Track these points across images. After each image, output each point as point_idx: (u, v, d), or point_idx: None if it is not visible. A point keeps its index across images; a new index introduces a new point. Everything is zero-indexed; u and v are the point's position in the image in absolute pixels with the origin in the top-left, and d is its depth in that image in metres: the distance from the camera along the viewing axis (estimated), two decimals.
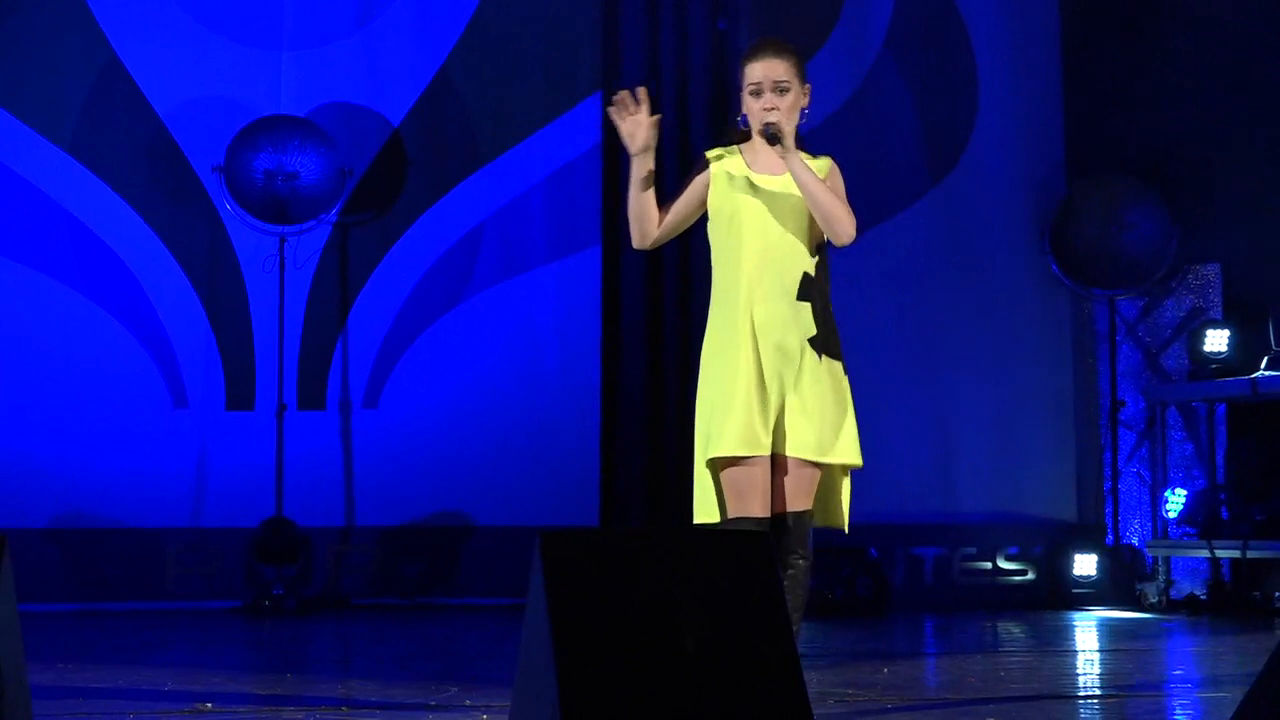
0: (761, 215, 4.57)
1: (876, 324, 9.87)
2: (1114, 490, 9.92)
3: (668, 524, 8.69)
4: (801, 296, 4.55)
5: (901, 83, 10.00)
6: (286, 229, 9.33)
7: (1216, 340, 9.42)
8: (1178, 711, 5.21)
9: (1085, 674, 6.46)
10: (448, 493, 9.52)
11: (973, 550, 9.88)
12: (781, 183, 4.58)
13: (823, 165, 4.64)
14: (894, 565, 9.68)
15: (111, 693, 5.52)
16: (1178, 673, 6.64)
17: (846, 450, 4.52)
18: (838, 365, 4.61)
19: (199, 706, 5.05)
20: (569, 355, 9.61)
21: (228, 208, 9.38)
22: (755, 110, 4.56)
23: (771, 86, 4.57)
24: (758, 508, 4.43)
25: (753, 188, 4.57)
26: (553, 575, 3.49)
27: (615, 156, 9.61)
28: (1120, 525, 9.89)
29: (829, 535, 10.04)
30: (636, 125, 4.51)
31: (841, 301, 10.18)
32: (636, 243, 4.66)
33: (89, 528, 9.23)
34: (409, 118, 9.65)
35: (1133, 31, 9.94)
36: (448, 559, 9.54)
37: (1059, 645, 7.61)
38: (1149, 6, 9.92)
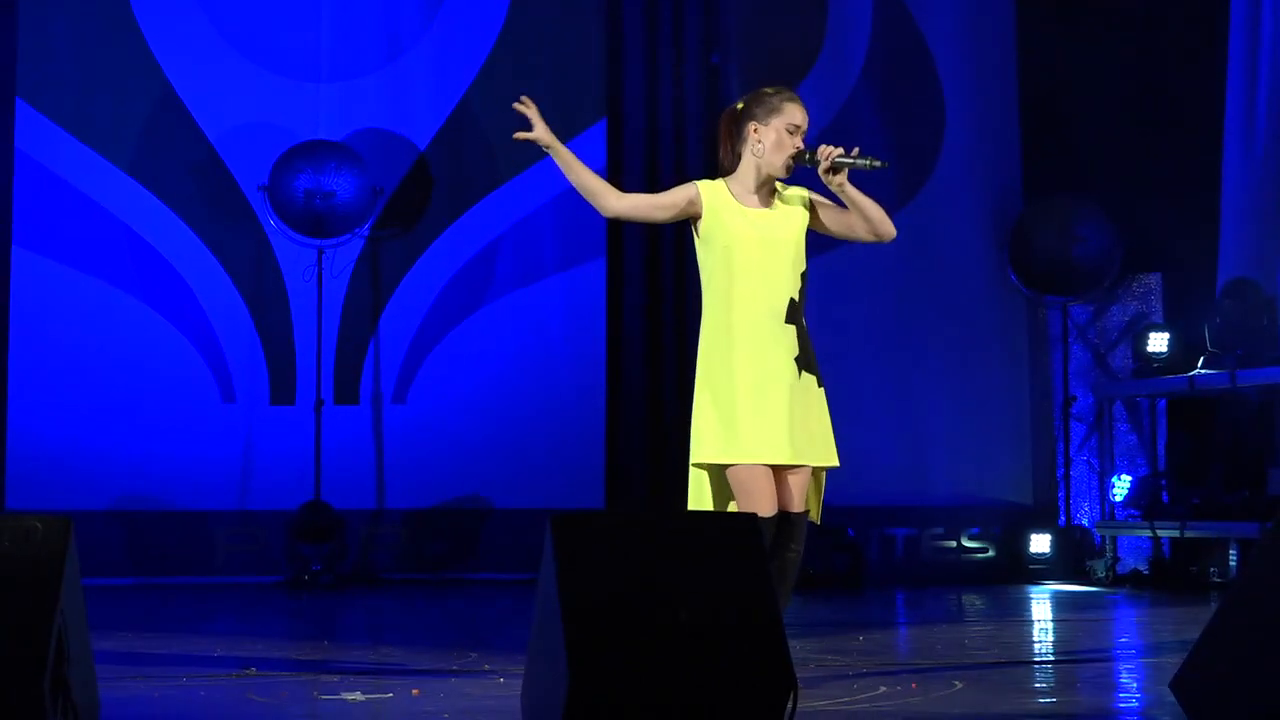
0: (752, 247, 4.61)
1: (853, 329, 9.85)
2: (1066, 477, 9.91)
3: (667, 506, 8.67)
4: (788, 320, 4.61)
5: (875, 111, 9.98)
6: (324, 242, 9.32)
7: (1158, 342, 9.40)
8: (1124, 675, 5.20)
9: (1040, 641, 6.45)
10: (468, 478, 9.51)
11: (940, 530, 9.87)
12: (768, 217, 4.63)
13: (803, 194, 4.71)
14: (869, 544, 9.66)
15: (167, 658, 5.51)
16: (1123, 640, 6.63)
17: (833, 455, 4.60)
18: (814, 379, 4.67)
19: (245, 670, 5.04)
20: (577, 355, 9.60)
21: (271, 223, 9.37)
22: (787, 145, 4.64)
23: (802, 131, 4.71)
24: (766, 508, 4.47)
25: (744, 220, 4.61)
26: (562, 553, 3.49)
27: (618, 178, 9.60)
28: (1071, 508, 9.88)
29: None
30: (536, 124, 4.70)
31: (821, 309, 10.19)
32: (606, 212, 4.78)
33: (146, 510, 9.22)
34: (434, 142, 9.64)
35: (1084, 66, 9.93)
36: (468, 538, 9.53)
37: (1017, 616, 7.60)
38: (1096, 45, 9.91)
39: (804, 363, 4.64)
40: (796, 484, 4.57)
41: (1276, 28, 9.18)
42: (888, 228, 4.70)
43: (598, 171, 9.72)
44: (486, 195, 9.69)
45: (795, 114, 4.66)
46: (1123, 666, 5.46)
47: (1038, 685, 4.86)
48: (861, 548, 9.43)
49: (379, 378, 9.53)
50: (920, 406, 9.87)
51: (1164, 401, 9.65)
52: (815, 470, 4.65)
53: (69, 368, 9.20)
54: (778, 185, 4.74)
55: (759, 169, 4.69)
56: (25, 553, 3.45)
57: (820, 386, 4.67)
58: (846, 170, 4.67)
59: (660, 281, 9.56)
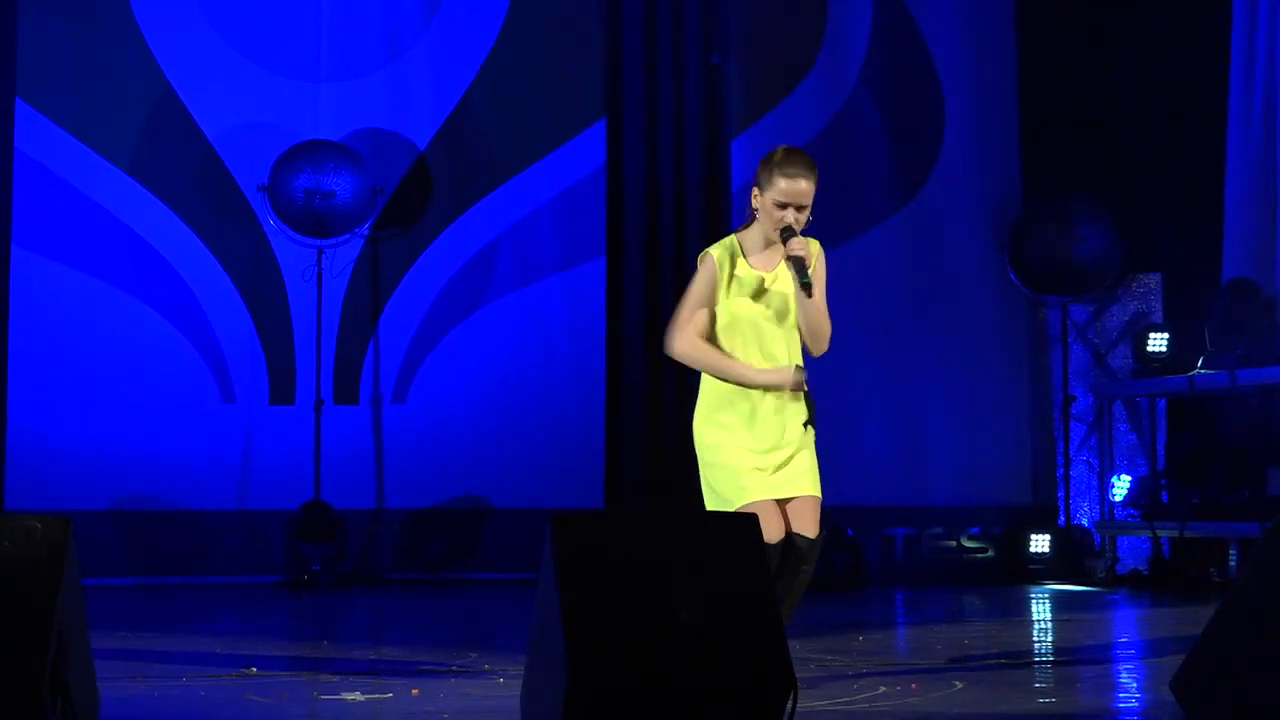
0: (759, 318, 4.66)
1: (853, 329, 9.85)
2: (1066, 476, 9.91)
3: (667, 506, 8.67)
4: (797, 388, 4.72)
5: (875, 111, 9.99)
6: (324, 242, 9.32)
7: (1158, 342, 9.40)
8: (1123, 675, 5.20)
9: (1040, 642, 6.45)
10: (468, 478, 9.51)
11: (939, 530, 9.87)
12: (775, 280, 4.69)
13: (815, 248, 4.77)
14: (869, 544, 9.66)
15: (166, 657, 5.51)
16: (1123, 640, 6.63)
17: (819, 485, 4.82)
18: (813, 429, 4.85)
19: (245, 670, 5.04)
20: (577, 355, 9.60)
21: (271, 223, 9.37)
22: (776, 219, 4.69)
23: (798, 206, 4.71)
24: (773, 536, 4.64)
25: (753, 291, 4.66)
26: (562, 552, 3.49)
27: (618, 178, 9.61)
28: (1071, 508, 9.88)
29: None
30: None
31: None
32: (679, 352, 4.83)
33: (146, 509, 9.22)
34: (434, 142, 9.64)
35: (1083, 65, 9.94)
36: (468, 538, 9.53)
37: (1016, 616, 7.60)
38: (1098, 39, 9.91)
39: (811, 421, 4.81)
40: (811, 512, 4.67)
41: (1275, 27, 9.18)
42: (822, 345, 4.73)
43: (596, 171, 9.74)
44: (486, 195, 9.70)
45: (782, 189, 4.71)
46: (1122, 667, 5.46)
47: (1037, 685, 4.86)
48: (861, 548, 9.42)
49: (379, 378, 9.53)
50: (920, 406, 9.87)
51: (1164, 401, 9.66)
52: (815, 500, 4.84)
53: (69, 367, 9.20)
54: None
55: (763, 231, 4.77)
56: (25, 553, 3.45)
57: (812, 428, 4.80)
58: (814, 289, 4.70)
59: (660, 281, 9.55)
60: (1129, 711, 4.34)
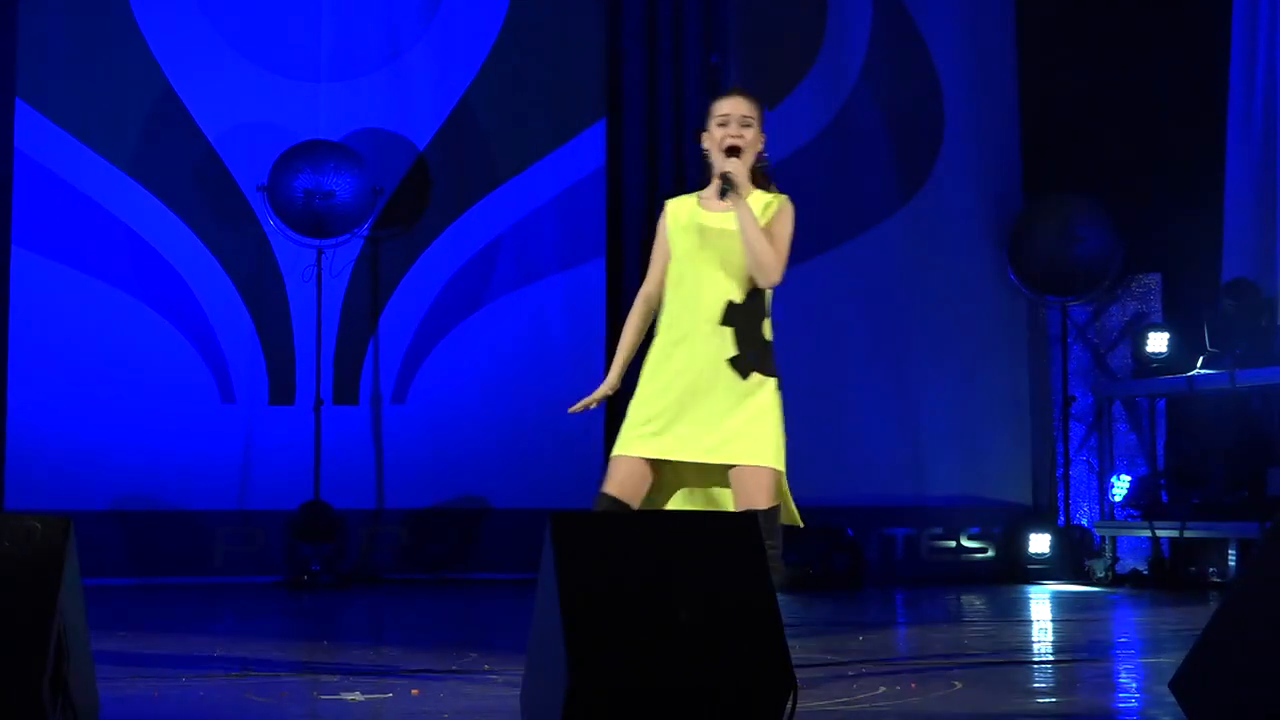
0: (696, 248, 4.62)
1: (852, 329, 9.86)
2: (1065, 476, 9.91)
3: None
4: (724, 322, 4.58)
5: (875, 111, 9.99)
6: (323, 242, 9.32)
7: (1157, 342, 9.41)
8: (1123, 675, 5.20)
9: (1040, 641, 6.45)
10: (468, 478, 9.51)
11: (939, 530, 9.87)
12: (721, 219, 4.64)
13: (773, 204, 4.67)
14: (869, 544, 9.67)
15: (166, 657, 5.51)
16: (1123, 640, 6.63)
17: (767, 455, 4.50)
18: (770, 380, 4.60)
19: (244, 671, 5.04)
20: (576, 355, 9.60)
21: (271, 223, 9.37)
22: (718, 138, 4.66)
23: (739, 120, 4.64)
24: (613, 489, 4.59)
25: (696, 228, 4.64)
26: (562, 552, 3.49)
27: (618, 178, 9.61)
28: (1071, 508, 9.88)
29: (811, 517, 10.00)
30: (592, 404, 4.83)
31: (821, 309, 10.19)
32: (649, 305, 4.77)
33: (146, 510, 9.22)
34: (433, 142, 9.64)
35: (1084, 64, 9.94)
36: (468, 538, 9.53)
37: (1016, 616, 7.60)
38: (1099, 38, 9.91)
39: (744, 364, 4.59)
40: (738, 482, 4.52)
41: (1275, 27, 9.18)
42: (765, 275, 4.54)
43: (596, 171, 9.74)
44: (486, 195, 9.70)
45: (723, 105, 4.69)
46: (1122, 666, 5.46)
47: (1037, 685, 4.86)
48: (861, 547, 9.43)
49: (378, 378, 9.53)
50: (919, 406, 9.87)
51: (1163, 401, 9.66)
52: (751, 469, 4.56)
53: (68, 367, 9.20)
54: (757, 190, 4.71)
55: (712, 173, 4.74)
56: (25, 553, 3.45)
57: (777, 388, 4.61)
58: (737, 189, 4.62)
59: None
60: (1129, 711, 4.34)
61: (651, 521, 3.69)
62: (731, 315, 4.58)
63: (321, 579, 8.99)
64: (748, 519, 3.78)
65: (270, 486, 9.31)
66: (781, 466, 4.55)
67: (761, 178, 4.74)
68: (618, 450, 4.66)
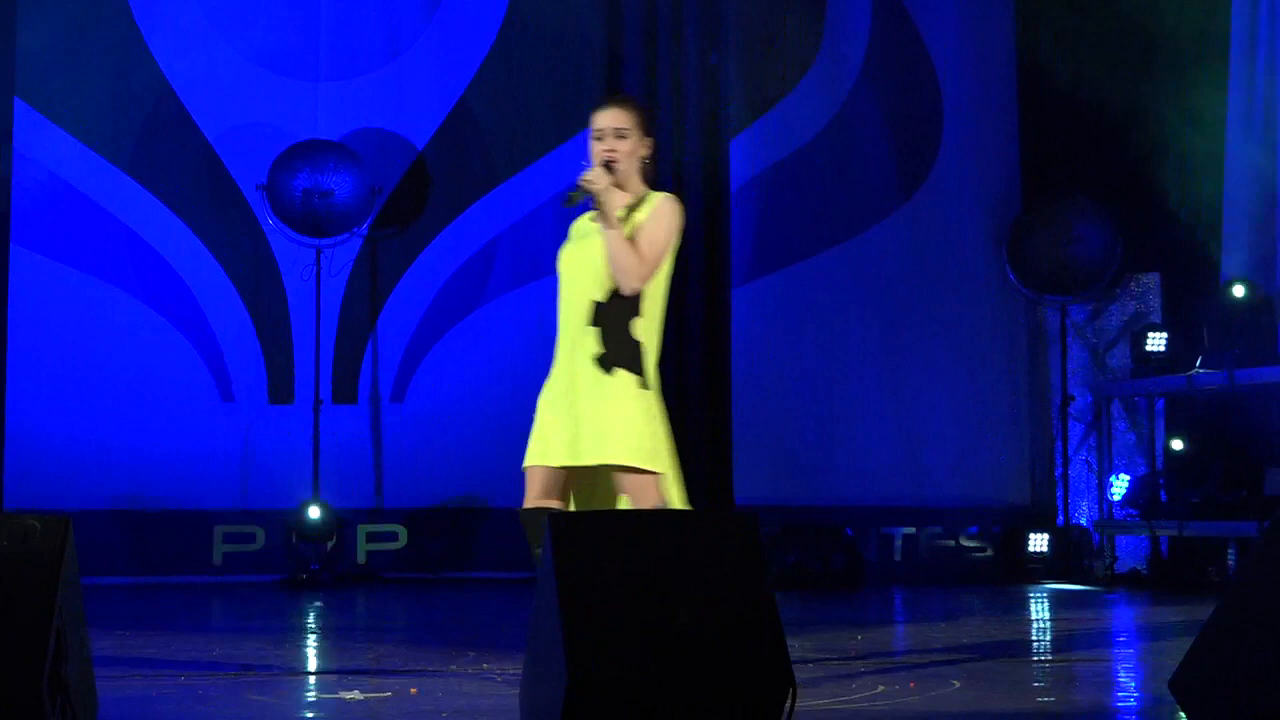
0: (571, 253, 4.71)
1: (852, 328, 9.86)
2: (1064, 476, 9.91)
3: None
4: (592, 322, 4.64)
5: (874, 110, 9.99)
6: (322, 241, 9.33)
7: (1156, 341, 9.41)
8: (1122, 673, 5.20)
9: (1039, 640, 6.45)
10: (467, 477, 9.51)
11: (938, 530, 9.87)
12: (589, 232, 4.74)
13: (651, 202, 4.73)
14: (867, 543, 9.66)
15: (165, 658, 5.51)
16: (1121, 639, 6.63)
17: (635, 454, 4.53)
18: (632, 378, 4.63)
19: (243, 671, 5.04)
20: None
21: (270, 222, 9.37)
22: (596, 153, 4.73)
23: (612, 133, 4.68)
24: (527, 500, 4.78)
25: (574, 235, 4.76)
26: (561, 552, 3.49)
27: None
28: (1070, 507, 9.88)
29: (810, 516, 9.98)
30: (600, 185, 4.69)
31: (819, 310, 10.18)
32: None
33: (145, 509, 9.22)
34: (432, 142, 9.64)
35: (1082, 63, 9.94)
36: (467, 537, 9.53)
37: (1015, 615, 7.60)
38: (1097, 39, 9.91)
39: (609, 362, 4.62)
40: (621, 486, 4.58)
41: (1274, 27, 9.18)
42: (625, 280, 4.61)
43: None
44: (485, 194, 9.70)
45: (597, 119, 4.75)
46: (1121, 665, 5.46)
47: (1036, 684, 4.86)
48: (860, 547, 9.43)
49: (377, 377, 9.53)
50: (918, 406, 9.87)
51: (1162, 401, 9.66)
52: (630, 475, 4.60)
53: (68, 367, 9.20)
54: (647, 194, 4.77)
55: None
56: (24, 552, 3.44)
57: (644, 387, 4.64)
58: (590, 193, 4.69)
59: None
60: (1127, 710, 4.34)
61: (650, 520, 3.69)
62: (597, 315, 4.64)
63: (321, 578, 8.99)
64: (747, 519, 3.78)
65: (270, 485, 9.31)
66: (658, 468, 4.57)
67: (648, 179, 4.80)
68: (525, 463, 4.81)
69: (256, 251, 9.45)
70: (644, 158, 4.72)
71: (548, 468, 4.68)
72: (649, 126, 4.75)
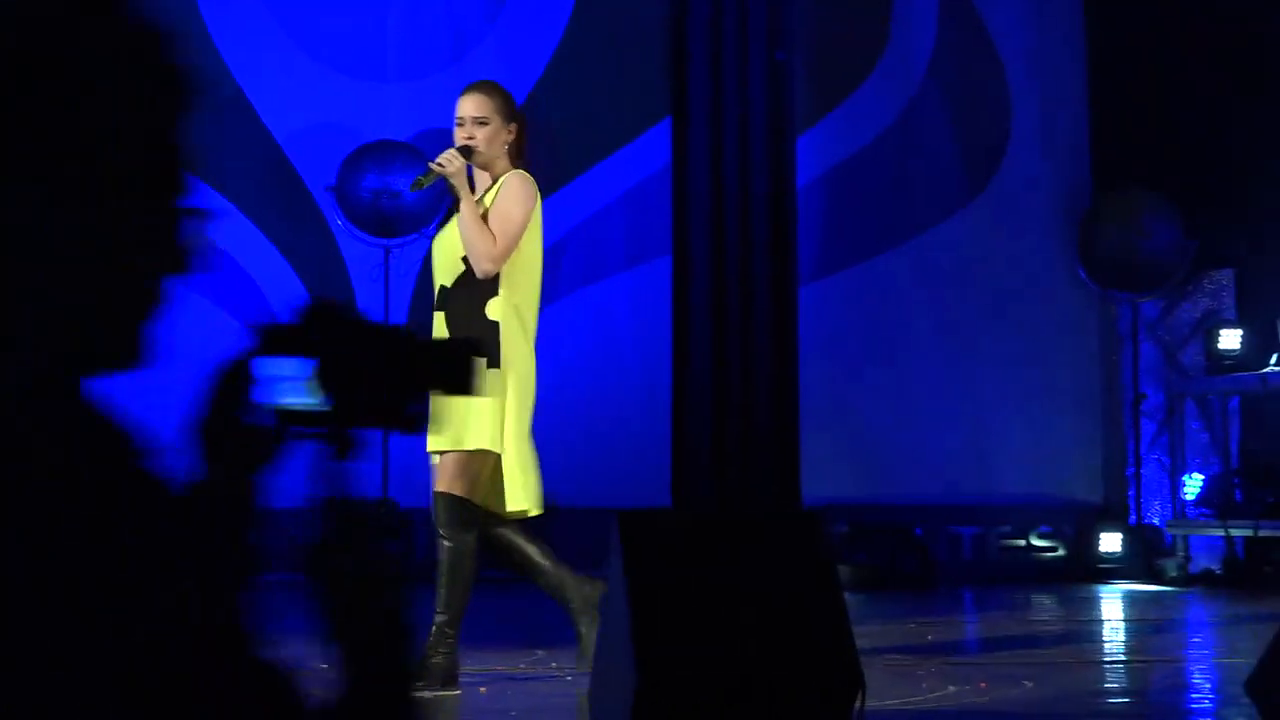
0: (436, 240, 4.86)
1: (919, 324, 9.81)
2: (1137, 475, 9.82)
3: (732, 505, 8.65)
4: (436, 307, 4.73)
5: (941, 106, 9.93)
6: (391, 242, 9.37)
7: (1230, 339, 9.31)
8: (1196, 675, 5.15)
9: (1110, 641, 6.39)
10: None
11: (1008, 529, 9.81)
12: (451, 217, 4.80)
13: (498, 185, 4.80)
14: (937, 542, 9.61)
15: None
16: (1195, 640, 6.57)
17: (460, 438, 4.55)
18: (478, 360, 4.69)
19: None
20: (643, 352, 9.60)
21: (339, 223, 9.43)
22: (457, 139, 4.80)
23: (471, 120, 4.74)
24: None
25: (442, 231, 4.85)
26: (629, 551, 3.49)
27: (683, 175, 9.59)
28: (1142, 507, 9.79)
29: (878, 515, 9.91)
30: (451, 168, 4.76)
31: (886, 304, 10.14)
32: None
33: None
34: None
35: (1153, 56, 9.84)
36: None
37: (1086, 615, 7.54)
38: (1168, 32, 9.82)
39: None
40: (441, 467, 4.64)
41: None
42: (478, 263, 4.67)
43: (662, 169, 9.74)
44: (552, 194, 9.70)
45: (458, 107, 4.85)
46: (1195, 667, 5.40)
47: (1108, 685, 4.81)
48: (929, 546, 9.37)
49: None
50: (988, 404, 9.81)
51: (1236, 399, 9.55)
52: (475, 455, 4.66)
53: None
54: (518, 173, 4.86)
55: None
56: None
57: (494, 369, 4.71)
58: (447, 179, 4.73)
59: (726, 277, 9.54)
60: (1202, 712, 4.29)
61: (718, 521, 3.69)
62: (443, 300, 4.72)
63: None
64: (815, 519, 3.77)
65: None
66: (477, 445, 4.61)
67: (516, 162, 4.86)
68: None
69: (325, 252, 9.50)
70: (507, 142, 4.80)
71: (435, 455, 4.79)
72: (511, 111, 4.84)
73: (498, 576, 9.46)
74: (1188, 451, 9.74)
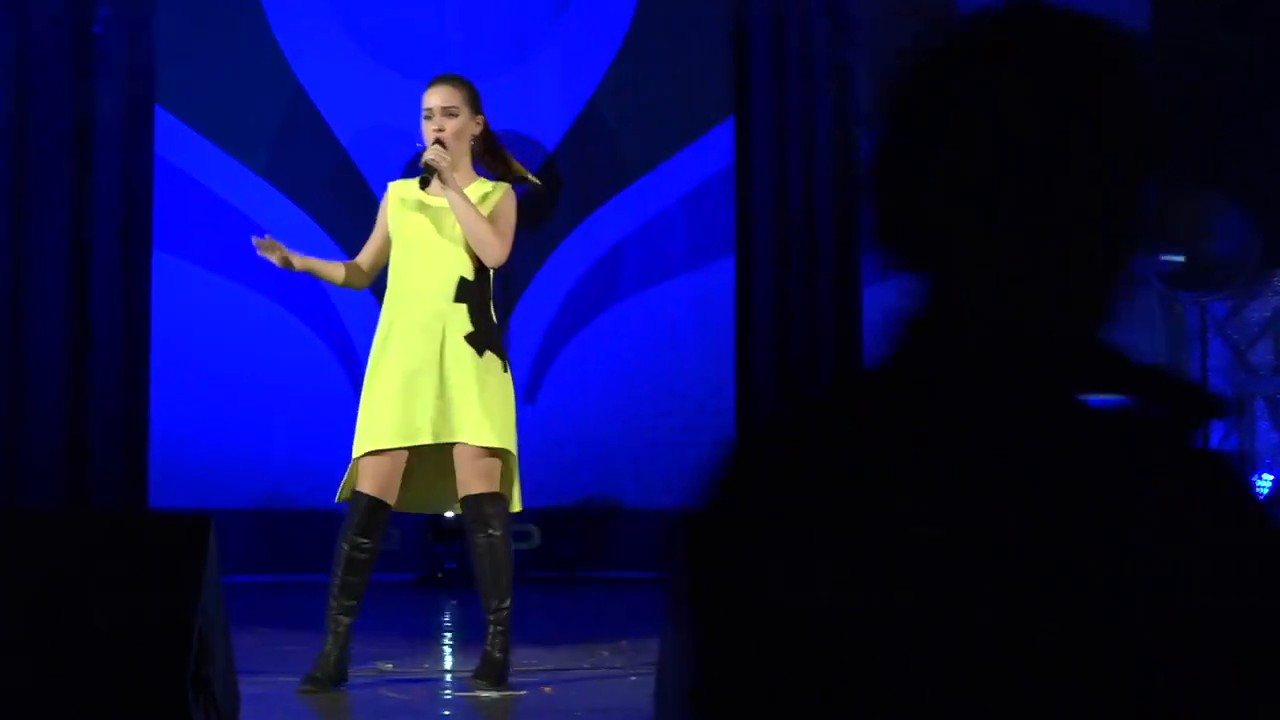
0: (422, 228, 4.71)
1: None
2: None
3: None
4: (458, 299, 4.64)
5: None
6: None
7: None
8: None
9: None
10: (599, 477, 9.55)
11: None
12: (444, 200, 4.72)
13: (492, 194, 4.76)
14: None
15: (304, 653, 5.59)
16: None
17: (495, 435, 4.54)
18: (496, 361, 4.67)
19: (379, 666, 5.10)
20: (706, 354, 9.59)
21: None
22: (427, 132, 4.77)
23: (440, 111, 4.72)
24: (368, 486, 4.60)
25: (420, 206, 4.74)
26: (694, 557, 3.49)
27: (746, 175, 9.59)
28: None
29: None
30: (273, 255, 4.78)
31: None
32: (360, 288, 4.89)
33: (284, 509, 9.37)
34: (561, 143, 9.69)
35: (1220, 53, 9.74)
36: (599, 536, 9.57)
37: None
38: (1234, 28, 9.71)
39: (479, 342, 4.64)
40: (472, 464, 4.56)
41: None
42: (489, 252, 4.67)
43: (725, 169, 9.73)
44: (614, 195, 9.73)
45: (426, 99, 4.82)
46: None
47: None
48: None
49: None
50: None
51: None
52: (500, 454, 4.63)
53: (209, 370, 9.37)
54: (478, 180, 4.83)
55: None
56: (166, 551, 3.52)
57: (506, 369, 4.67)
58: (441, 173, 4.71)
59: (789, 278, 9.53)
60: None
61: None
62: (464, 291, 4.67)
63: (455, 577, 9.07)
64: None
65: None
66: (511, 447, 4.61)
67: (494, 157, 4.85)
68: (361, 450, 4.72)
69: None
70: (474, 134, 4.81)
71: (388, 454, 4.68)
72: (477, 104, 4.83)
73: (561, 577, 9.49)
74: (1258, 451, 9.64)
